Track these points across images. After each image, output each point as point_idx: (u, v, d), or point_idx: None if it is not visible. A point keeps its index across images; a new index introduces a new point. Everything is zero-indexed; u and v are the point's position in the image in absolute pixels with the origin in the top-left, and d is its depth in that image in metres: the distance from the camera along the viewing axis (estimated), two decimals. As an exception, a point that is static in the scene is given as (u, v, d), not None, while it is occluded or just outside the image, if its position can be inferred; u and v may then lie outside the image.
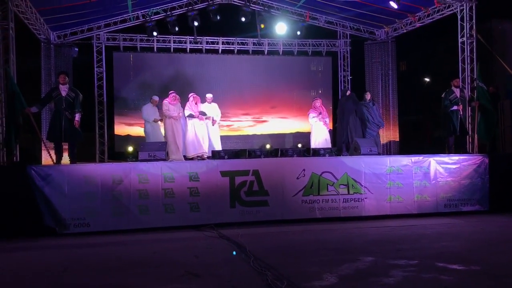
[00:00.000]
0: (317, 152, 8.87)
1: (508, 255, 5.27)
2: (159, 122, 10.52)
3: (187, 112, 9.97)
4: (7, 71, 8.40)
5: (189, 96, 10.18)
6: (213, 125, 10.42)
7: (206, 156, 9.83)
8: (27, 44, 11.72)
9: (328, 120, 11.57)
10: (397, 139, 13.70)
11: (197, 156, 9.87)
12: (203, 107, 10.44)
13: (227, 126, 14.06)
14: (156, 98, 10.82)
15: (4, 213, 6.71)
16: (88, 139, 11.84)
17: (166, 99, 10.16)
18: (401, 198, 7.94)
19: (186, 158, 9.94)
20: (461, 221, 7.52)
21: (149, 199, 7.14)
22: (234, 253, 5.53)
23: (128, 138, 13.47)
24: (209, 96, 10.73)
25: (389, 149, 13.48)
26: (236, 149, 10.47)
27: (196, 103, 10.13)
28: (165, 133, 10.18)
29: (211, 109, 10.60)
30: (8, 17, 8.75)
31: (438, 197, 8.06)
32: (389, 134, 13.56)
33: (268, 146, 13.66)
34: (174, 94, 10.16)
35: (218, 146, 10.49)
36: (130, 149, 12.93)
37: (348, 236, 6.59)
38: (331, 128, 12.79)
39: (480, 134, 9.76)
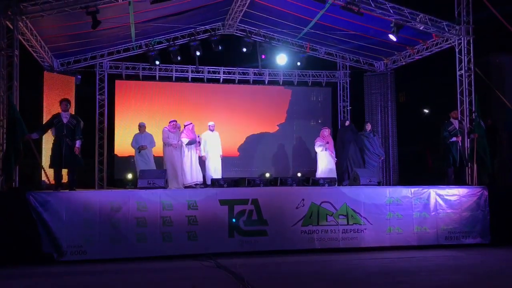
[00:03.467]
0: (316, 182, 8.86)
1: (508, 290, 5.22)
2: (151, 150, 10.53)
3: (185, 140, 9.97)
4: (9, 98, 8.47)
5: (185, 124, 10.24)
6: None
7: (200, 183, 9.84)
8: (30, 71, 11.83)
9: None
10: (397, 170, 13.70)
11: (195, 184, 9.87)
12: (205, 135, 10.51)
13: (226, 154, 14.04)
14: (141, 124, 10.74)
15: (2, 240, 6.66)
16: (87, 166, 11.82)
17: (166, 126, 10.23)
18: (400, 229, 7.89)
19: (184, 186, 9.93)
20: (461, 253, 7.45)
21: (147, 227, 7.11)
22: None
23: (127, 166, 13.45)
24: (211, 124, 10.81)
25: (388, 180, 13.46)
26: (235, 178, 10.45)
27: (193, 131, 10.20)
28: (164, 161, 10.19)
29: (213, 137, 10.66)
30: (13, 45, 8.88)
31: (439, 229, 8.01)
32: (388, 164, 13.56)
33: (267, 175, 13.63)
34: (174, 122, 10.26)
35: (218, 174, 10.48)
36: (130, 176, 12.90)
37: (347, 267, 6.52)
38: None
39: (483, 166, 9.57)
